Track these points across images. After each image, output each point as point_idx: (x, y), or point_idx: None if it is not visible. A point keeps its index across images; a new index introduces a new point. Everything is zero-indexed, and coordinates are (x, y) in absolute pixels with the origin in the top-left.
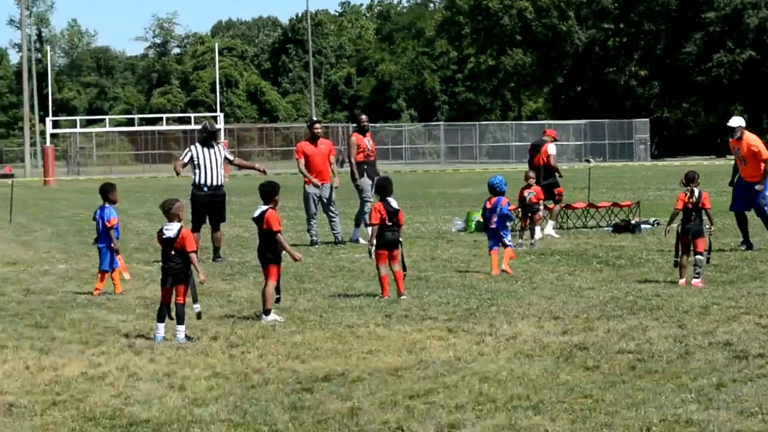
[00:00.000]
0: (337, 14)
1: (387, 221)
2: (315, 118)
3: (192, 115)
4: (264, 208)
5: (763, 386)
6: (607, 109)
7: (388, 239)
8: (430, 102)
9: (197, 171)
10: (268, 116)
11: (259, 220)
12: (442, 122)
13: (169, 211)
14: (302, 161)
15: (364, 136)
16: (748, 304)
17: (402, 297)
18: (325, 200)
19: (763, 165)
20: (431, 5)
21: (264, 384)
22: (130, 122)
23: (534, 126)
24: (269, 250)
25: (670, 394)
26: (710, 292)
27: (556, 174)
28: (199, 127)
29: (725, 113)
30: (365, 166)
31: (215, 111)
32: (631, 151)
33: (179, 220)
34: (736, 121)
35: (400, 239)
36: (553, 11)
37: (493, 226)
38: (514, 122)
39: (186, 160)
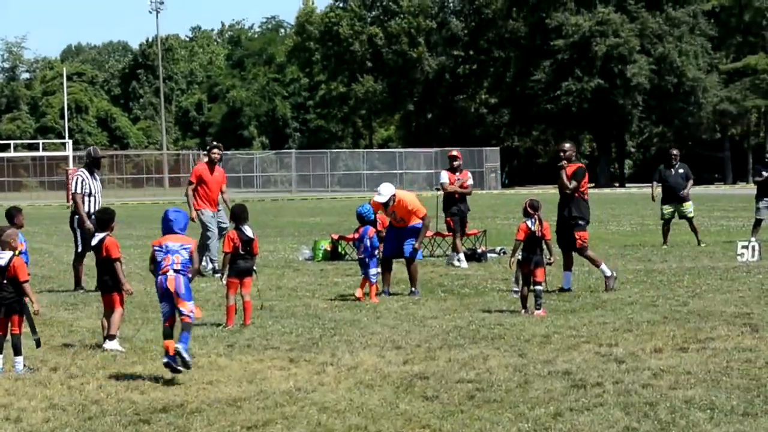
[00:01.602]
0: (187, 39)
1: (240, 250)
2: (215, 143)
3: (41, 142)
4: (102, 235)
5: (599, 415)
6: (458, 137)
7: (240, 268)
8: (281, 129)
9: (89, 199)
10: (119, 143)
11: (98, 248)
12: (293, 150)
13: None
14: (192, 186)
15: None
16: (589, 332)
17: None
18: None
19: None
20: (282, 31)
21: (101, 415)
22: None
23: (386, 154)
24: (110, 277)
25: (507, 423)
26: (552, 321)
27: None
28: (49, 153)
29: (575, 141)
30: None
31: (65, 137)
32: (481, 180)
33: (11, 249)
34: (387, 190)
35: (255, 269)
36: (403, 37)
37: (361, 256)
38: (365, 150)
39: (84, 191)
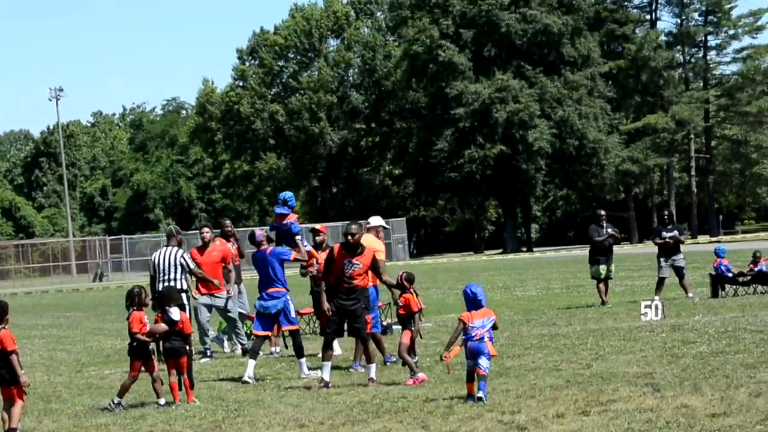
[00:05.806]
0: (89, 125)
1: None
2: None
3: None
4: None
5: None
6: (364, 210)
7: (166, 348)
8: (187, 210)
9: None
10: (24, 232)
11: None
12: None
13: None
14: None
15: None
16: (492, 401)
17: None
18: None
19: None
20: (183, 112)
21: None
22: None
23: None
24: (7, 371)
25: None
26: (456, 390)
27: None
28: None
29: (480, 208)
30: None
31: None
32: (389, 251)
33: None
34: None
35: (188, 348)
36: (304, 113)
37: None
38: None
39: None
